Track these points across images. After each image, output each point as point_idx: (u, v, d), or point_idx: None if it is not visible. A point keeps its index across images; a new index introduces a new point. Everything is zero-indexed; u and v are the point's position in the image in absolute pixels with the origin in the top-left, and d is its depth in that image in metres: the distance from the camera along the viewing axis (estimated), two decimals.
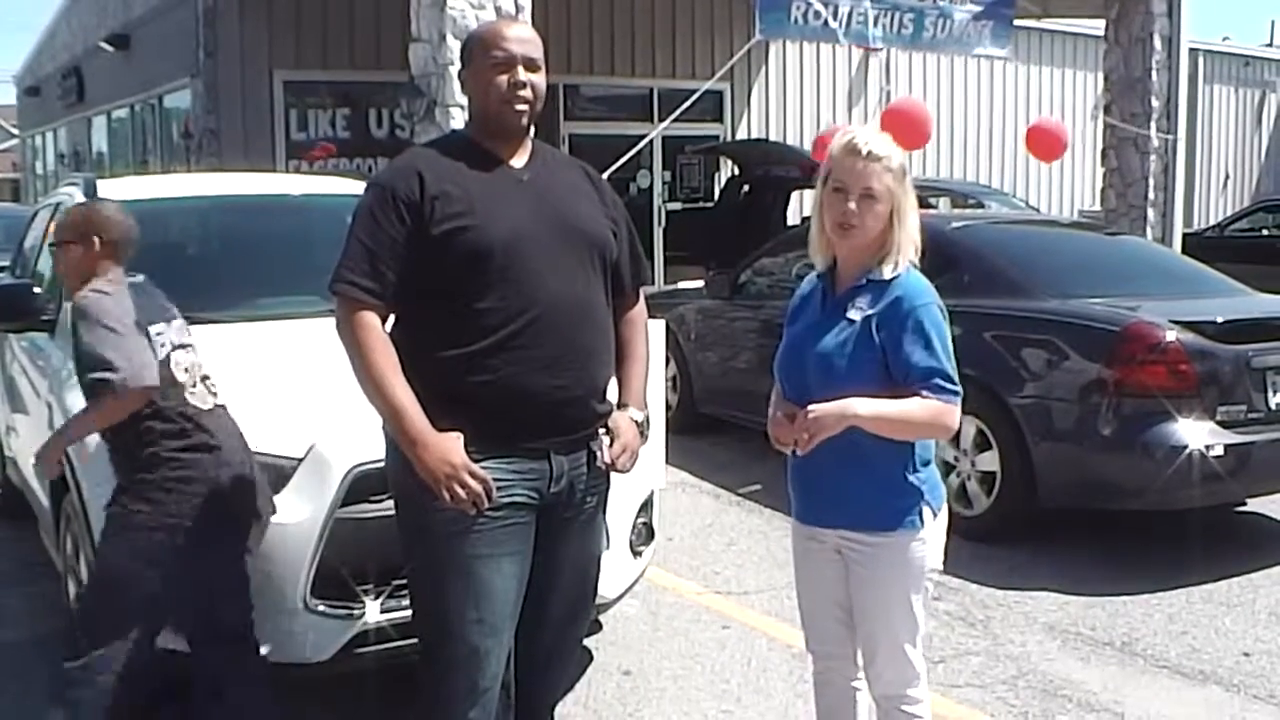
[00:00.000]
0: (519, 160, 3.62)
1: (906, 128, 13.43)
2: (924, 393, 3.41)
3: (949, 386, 3.43)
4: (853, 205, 3.49)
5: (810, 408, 3.43)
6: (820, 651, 3.84)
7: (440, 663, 3.53)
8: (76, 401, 4.95)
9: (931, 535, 3.57)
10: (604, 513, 3.83)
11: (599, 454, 3.62)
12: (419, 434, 3.34)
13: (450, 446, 3.34)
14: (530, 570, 3.57)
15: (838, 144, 3.55)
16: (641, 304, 3.92)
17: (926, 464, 3.57)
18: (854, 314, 3.48)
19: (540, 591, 3.63)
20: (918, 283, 3.52)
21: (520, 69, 3.54)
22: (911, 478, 3.52)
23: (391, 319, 3.51)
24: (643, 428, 3.74)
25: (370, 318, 3.40)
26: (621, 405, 3.72)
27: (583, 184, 3.76)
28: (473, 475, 3.34)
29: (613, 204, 3.80)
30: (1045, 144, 14.24)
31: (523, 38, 3.58)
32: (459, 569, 3.43)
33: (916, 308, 3.45)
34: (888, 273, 3.49)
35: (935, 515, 3.58)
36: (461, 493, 3.32)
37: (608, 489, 3.79)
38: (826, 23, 12.87)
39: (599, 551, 3.89)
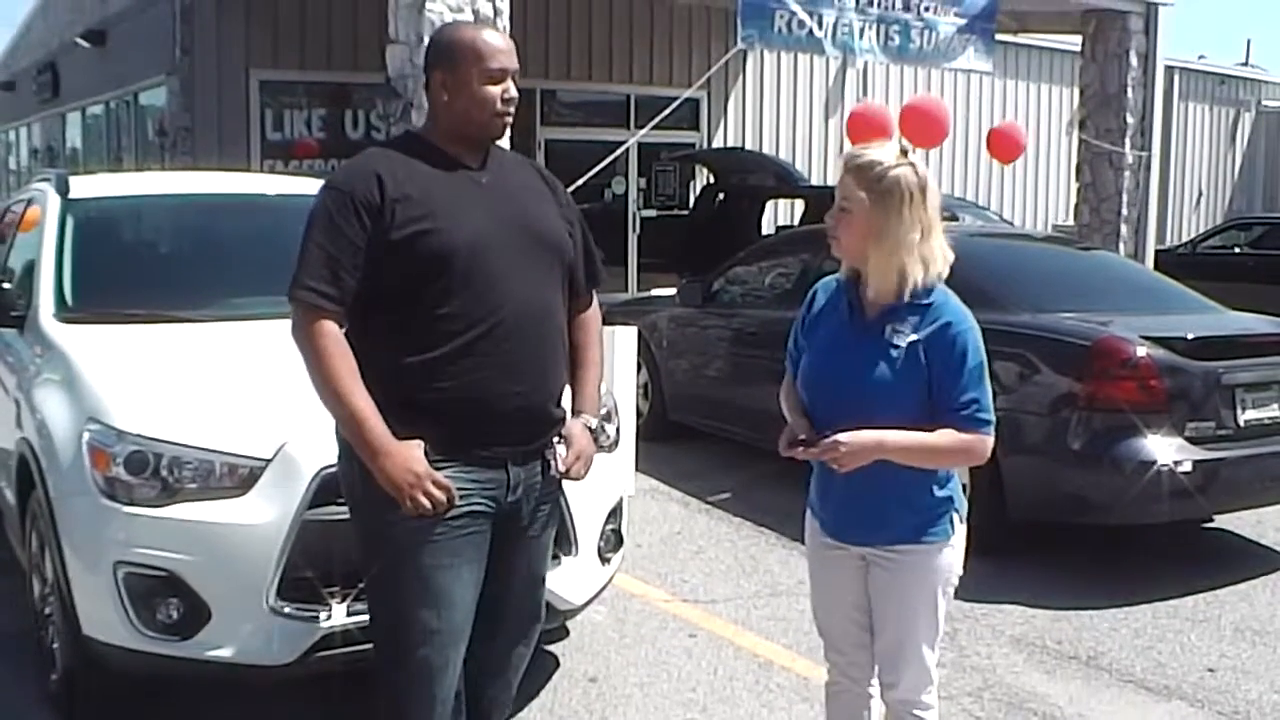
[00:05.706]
0: (476, 162, 3.58)
1: (921, 123, 13.51)
2: (959, 423, 3.38)
3: (983, 416, 3.40)
4: (830, 219, 3.49)
5: (840, 438, 3.36)
6: (837, 659, 3.78)
7: (399, 672, 3.50)
8: (44, 398, 4.93)
9: (959, 541, 3.59)
10: (556, 522, 3.83)
11: (553, 462, 3.60)
12: (381, 443, 3.30)
13: (412, 455, 3.31)
14: (484, 579, 3.55)
15: None
16: (595, 305, 3.88)
17: (952, 474, 3.58)
18: (898, 340, 3.39)
19: (494, 600, 3.61)
20: (958, 306, 3.46)
21: (510, 82, 3.53)
22: (942, 491, 3.52)
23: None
24: (595, 434, 3.72)
25: (329, 324, 3.35)
26: (576, 412, 3.70)
27: (538, 185, 3.74)
28: (436, 484, 3.31)
29: (567, 204, 3.78)
30: (1005, 146, 14.46)
31: (511, 50, 3.56)
32: (419, 578, 3.41)
33: (962, 333, 3.39)
34: (923, 297, 3.41)
35: (962, 521, 3.59)
36: (425, 501, 3.30)
37: (561, 497, 3.80)
38: (811, 32, 12.77)
39: (546, 564, 3.86)
